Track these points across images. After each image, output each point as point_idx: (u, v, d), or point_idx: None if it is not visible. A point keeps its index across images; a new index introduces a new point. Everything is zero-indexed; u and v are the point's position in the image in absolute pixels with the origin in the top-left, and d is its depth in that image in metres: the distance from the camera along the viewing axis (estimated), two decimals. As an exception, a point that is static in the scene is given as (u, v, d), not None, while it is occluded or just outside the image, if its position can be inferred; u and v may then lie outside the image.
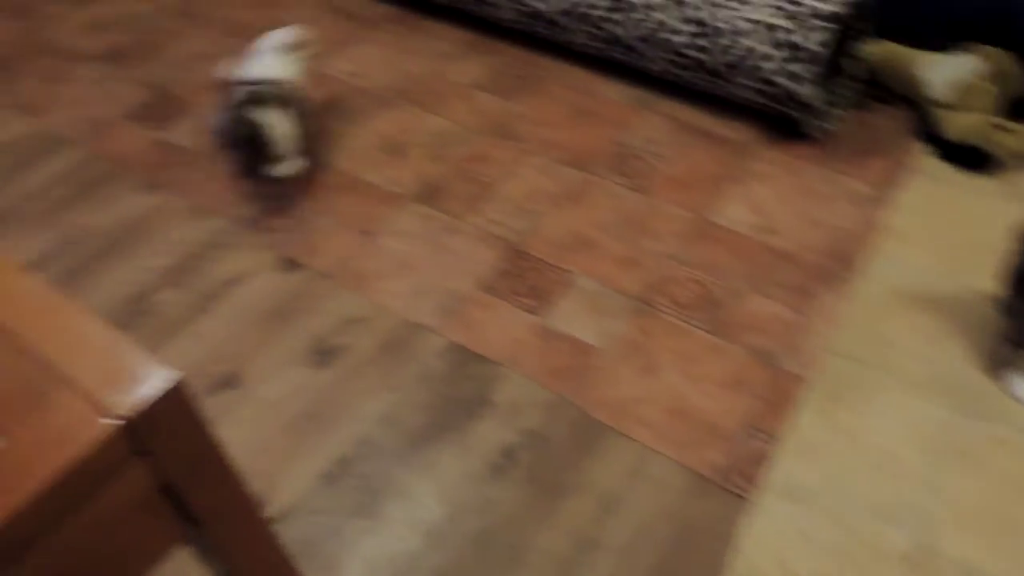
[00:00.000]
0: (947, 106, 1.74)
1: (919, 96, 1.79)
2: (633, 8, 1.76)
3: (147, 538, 0.53)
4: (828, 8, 1.58)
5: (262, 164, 1.55)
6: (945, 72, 1.75)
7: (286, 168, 1.59)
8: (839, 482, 1.20)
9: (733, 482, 1.20)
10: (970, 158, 1.68)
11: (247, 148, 1.52)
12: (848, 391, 1.31)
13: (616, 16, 1.79)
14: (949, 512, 1.16)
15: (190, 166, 1.75)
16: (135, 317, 1.45)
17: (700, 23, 1.70)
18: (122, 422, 0.45)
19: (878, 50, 1.84)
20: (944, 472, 1.21)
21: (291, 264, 1.53)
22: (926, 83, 1.77)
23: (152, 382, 0.46)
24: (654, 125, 1.82)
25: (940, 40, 1.79)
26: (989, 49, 1.74)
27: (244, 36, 2.10)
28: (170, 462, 0.49)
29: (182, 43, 2.11)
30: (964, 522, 1.15)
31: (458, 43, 2.07)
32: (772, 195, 1.65)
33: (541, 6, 1.88)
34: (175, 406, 0.47)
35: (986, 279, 1.46)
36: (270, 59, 1.63)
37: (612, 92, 1.91)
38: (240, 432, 1.28)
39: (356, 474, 1.23)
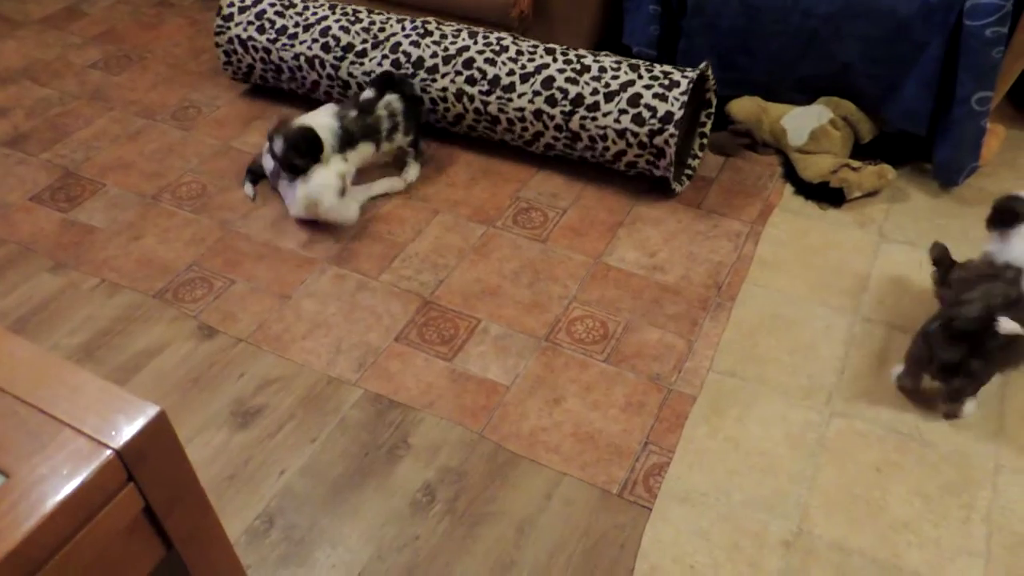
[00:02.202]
0: (804, 151, 2.04)
1: (780, 143, 2.09)
2: (509, 123, 2.01)
3: (132, 558, 0.65)
4: (666, 109, 1.85)
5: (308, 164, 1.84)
6: (800, 121, 2.05)
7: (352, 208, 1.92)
8: (726, 483, 1.39)
9: (635, 494, 1.38)
10: (826, 195, 1.96)
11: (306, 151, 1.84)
12: (730, 404, 1.52)
13: (495, 128, 2.04)
14: (819, 499, 1.37)
15: (100, 244, 1.86)
16: (57, 393, 1.53)
17: (567, 130, 1.96)
18: (115, 452, 0.58)
19: (743, 104, 2.13)
20: (813, 465, 1.42)
21: (209, 331, 1.66)
22: (786, 132, 2.06)
23: (137, 415, 0.60)
24: (550, 180, 2.05)
25: (793, 94, 2.10)
26: (835, 99, 2.05)
27: (153, 117, 2.25)
28: (154, 486, 0.61)
29: (89, 125, 2.23)
30: (832, 507, 1.36)
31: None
32: (659, 237, 1.88)
33: (424, 120, 2.11)
34: (159, 434, 0.61)
35: (841, 296, 1.72)
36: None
37: (511, 154, 2.14)
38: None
39: (282, 526, 1.34)
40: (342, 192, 1.85)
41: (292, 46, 2.16)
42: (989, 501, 1.38)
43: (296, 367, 1.59)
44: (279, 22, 2.18)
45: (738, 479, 1.40)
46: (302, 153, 1.82)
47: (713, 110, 2.08)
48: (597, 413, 1.51)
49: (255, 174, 2.01)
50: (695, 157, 2.06)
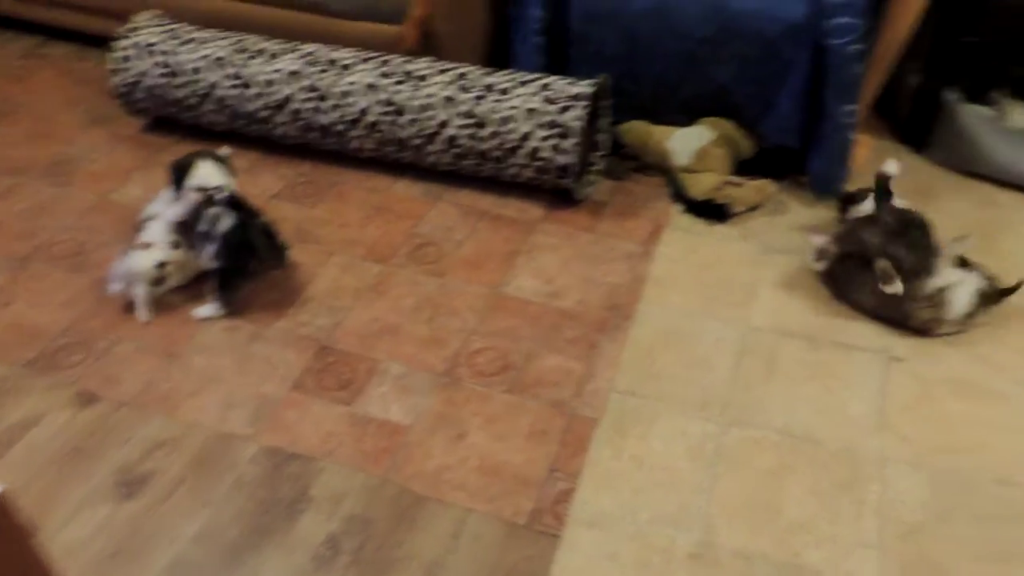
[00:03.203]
0: (689, 170, 2.12)
1: (667, 164, 2.17)
2: (413, 111, 2.04)
3: None
4: (577, 90, 1.95)
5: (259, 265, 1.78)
6: (684, 142, 2.14)
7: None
8: (632, 503, 1.43)
9: (544, 523, 1.39)
10: (711, 211, 2.05)
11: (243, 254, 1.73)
12: (632, 423, 1.56)
13: (399, 120, 2.05)
14: (721, 509, 1.42)
15: (-28, 313, 1.77)
16: (-76, 477, 1.44)
17: (475, 116, 2.00)
18: None
19: (630, 128, 2.21)
20: (712, 476, 1.47)
21: (88, 398, 1.59)
22: (670, 153, 2.15)
23: None
24: (445, 214, 2.07)
25: (677, 116, 2.19)
26: (715, 119, 2.15)
27: (24, 174, 2.16)
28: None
29: (-49, 189, 2.12)
30: (733, 515, 1.41)
31: (248, 160, 2.24)
32: (556, 263, 1.93)
33: (325, 119, 2.11)
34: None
35: (731, 308, 1.79)
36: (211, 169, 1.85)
37: (404, 190, 2.15)
38: None
39: (180, 594, 1.29)
40: (158, 282, 1.76)
41: (199, 49, 2.19)
42: (879, 494, 1.45)
43: (185, 427, 1.54)
44: (195, 35, 2.24)
45: (643, 497, 1.44)
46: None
47: (604, 152, 2.17)
48: (501, 445, 1.52)
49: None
50: (589, 183, 2.12)
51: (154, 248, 1.76)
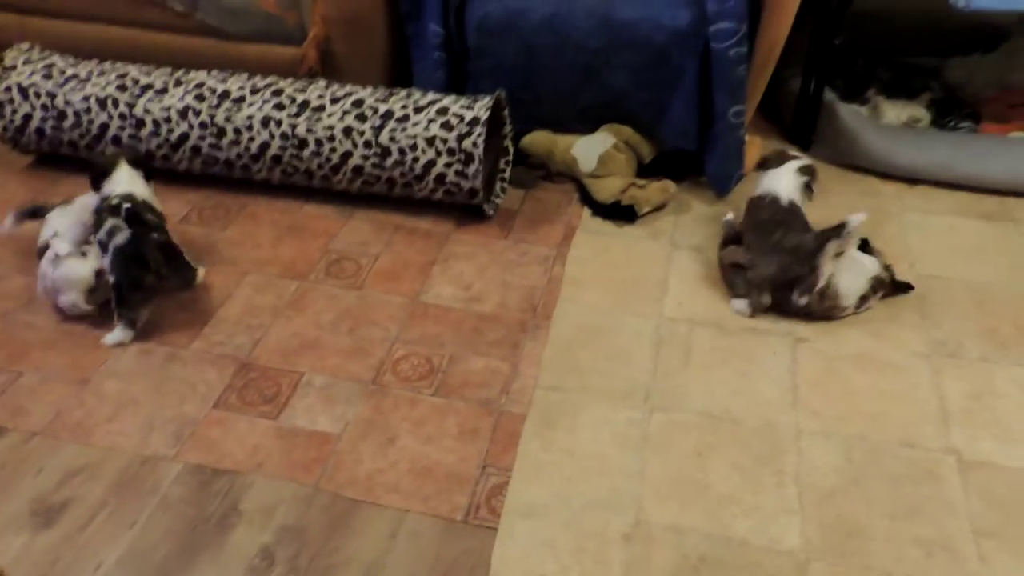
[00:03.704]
0: (594, 175, 2.21)
1: (574, 171, 2.25)
2: (314, 144, 2.04)
3: None
4: (473, 115, 1.99)
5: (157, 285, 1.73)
6: (587, 149, 2.23)
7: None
8: (564, 491, 1.46)
9: (480, 517, 1.41)
10: (619, 213, 2.14)
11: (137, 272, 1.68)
12: (558, 416, 1.60)
13: (302, 153, 2.06)
14: (651, 490, 1.47)
15: None
16: None
17: (377, 145, 2.02)
18: None
19: (534, 139, 2.28)
20: (641, 459, 1.53)
21: (-2, 432, 1.52)
22: (575, 160, 2.23)
23: None
24: (358, 230, 2.08)
25: (578, 124, 2.27)
26: (616, 125, 2.25)
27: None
28: None
29: None
30: (663, 495, 1.46)
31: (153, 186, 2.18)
32: (472, 270, 1.96)
33: (226, 155, 2.09)
34: None
35: (645, 303, 1.87)
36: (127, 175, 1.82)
37: (315, 209, 2.15)
38: (-36, 616, 1.24)
39: (109, 622, 1.24)
40: (92, 292, 1.72)
41: (82, 89, 2.12)
42: (796, 464, 1.53)
43: (103, 452, 1.48)
44: (70, 71, 2.16)
45: (575, 485, 1.47)
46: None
47: (511, 157, 2.22)
48: (432, 446, 1.53)
49: (29, 215, 1.89)
50: (499, 196, 2.18)
51: (90, 256, 1.72)
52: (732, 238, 1.98)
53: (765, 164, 1.97)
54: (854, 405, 1.65)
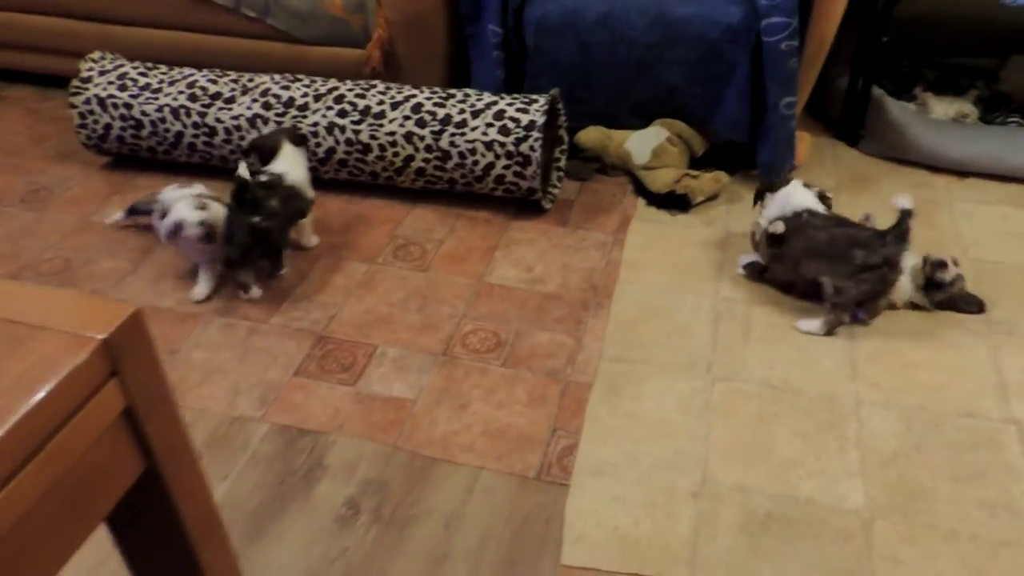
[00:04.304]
0: (648, 168, 2.28)
1: (628, 164, 2.33)
2: (377, 149, 2.14)
3: (114, 467, 0.66)
4: (529, 118, 2.07)
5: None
6: (641, 143, 2.30)
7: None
8: (632, 452, 1.52)
9: (552, 475, 1.47)
10: (672, 202, 2.21)
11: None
12: (623, 385, 1.66)
13: (366, 157, 2.16)
14: (716, 453, 1.52)
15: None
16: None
17: (437, 149, 2.11)
18: (102, 341, 0.61)
19: (589, 134, 2.36)
20: (705, 425, 1.58)
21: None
22: (629, 154, 2.31)
23: (115, 310, 0.64)
24: (423, 218, 2.17)
25: (632, 119, 2.36)
26: (668, 119, 2.33)
27: (1, 203, 2.18)
28: (134, 385, 0.64)
29: (-77, 220, 2.13)
30: (727, 457, 1.51)
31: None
32: (534, 254, 2.04)
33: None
34: (137, 331, 0.64)
35: (702, 283, 1.93)
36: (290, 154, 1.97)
37: (380, 199, 2.25)
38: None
39: (206, 564, 1.32)
40: (206, 239, 1.82)
41: (156, 99, 2.23)
42: (857, 431, 1.58)
43: (196, 413, 1.58)
44: (142, 80, 2.27)
45: (642, 447, 1.53)
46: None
47: (566, 146, 2.30)
48: (503, 411, 1.60)
49: (135, 212, 2.05)
50: (555, 186, 2.26)
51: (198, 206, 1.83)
52: (758, 274, 1.95)
53: (763, 193, 1.92)
54: (913, 377, 1.69)
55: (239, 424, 1.56)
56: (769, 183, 1.95)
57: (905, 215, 1.69)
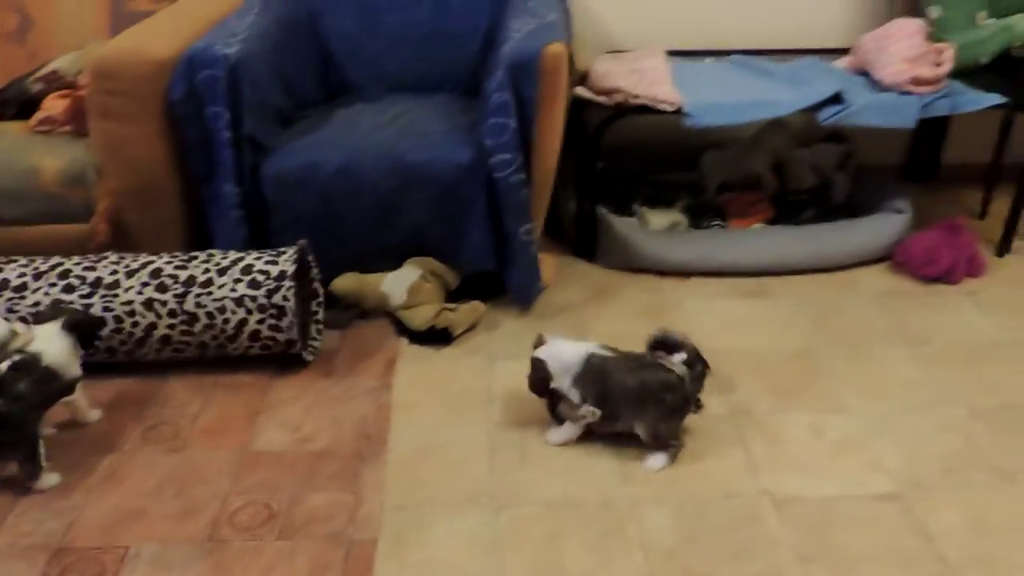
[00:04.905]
0: (407, 307, 2.32)
1: (386, 306, 2.35)
2: (117, 320, 1.99)
3: None
4: (279, 269, 2.04)
5: None
6: (397, 283, 2.34)
7: None
8: (428, 604, 1.46)
9: (345, 652, 1.36)
10: (434, 337, 2.25)
11: None
12: (410, 534, 1.61)
13: (101, 332, 1.99)
14: (511, 583, 1.50)
15: None
16: None
17: (183, 312, 2.01)
18: None
19: (343, 281, 2.36)
20: (497, 557, 1.57)
21: None
22: (387, 296, 2.34)
23: None
24: (175, 392, 2.02)
25: (384, 262, 2.40)
26: (419, 258, 2.40)
27: None
28: None
29: None
30: (524, 585, 1.50)
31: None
32: (300, 412, 1.96)
33: None
34: None
35: (474, 413, 1.96)
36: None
37: (124, 382, 2.06)
38: None
39: None
40: None
41: None
42: (638, 531, 1.64)
43: None
44: None
45: (437, 597, 1.48)
46: None
47: (322, 298, 2.29)
48: (284, 591, 1.47)
49: None
50: (315, 339, 2.22)
51: None
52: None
53: (538, 360, 1.85)
54: (677, 469, 1.81)
55: None
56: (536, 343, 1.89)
57: (696, 357, 1.83)
